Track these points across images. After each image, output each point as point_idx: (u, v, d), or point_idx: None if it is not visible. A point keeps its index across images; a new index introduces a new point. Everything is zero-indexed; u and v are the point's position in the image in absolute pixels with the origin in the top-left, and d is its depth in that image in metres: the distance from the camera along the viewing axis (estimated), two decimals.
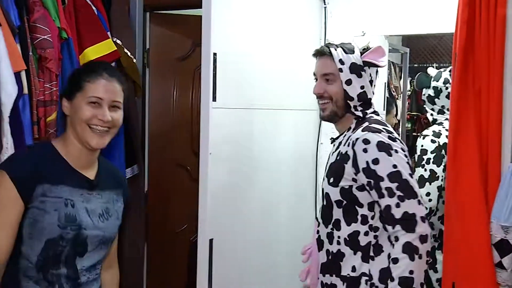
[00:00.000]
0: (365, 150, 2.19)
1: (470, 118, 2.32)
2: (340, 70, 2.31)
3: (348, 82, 2.32)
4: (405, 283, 2.08)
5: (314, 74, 2.43)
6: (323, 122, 3.54)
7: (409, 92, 6.47)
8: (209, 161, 2.66)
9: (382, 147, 2.18)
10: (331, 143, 2.48)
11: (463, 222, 2.38)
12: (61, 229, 1.99)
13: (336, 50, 2.34)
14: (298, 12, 3.39)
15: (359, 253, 2.24)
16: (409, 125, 4.55)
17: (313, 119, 3.54)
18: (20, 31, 2.63)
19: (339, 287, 2.27)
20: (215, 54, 2.64)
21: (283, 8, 3.20)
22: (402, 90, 5.91)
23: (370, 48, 2.37)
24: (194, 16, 3.94)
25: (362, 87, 2.34)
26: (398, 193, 2.13)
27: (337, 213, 2.27)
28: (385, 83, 4.09)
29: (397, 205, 2.14)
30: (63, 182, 2.04)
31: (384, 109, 4.16)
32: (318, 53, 2.40)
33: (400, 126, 5.57)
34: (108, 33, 3.09)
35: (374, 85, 2.42)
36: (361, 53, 2.36)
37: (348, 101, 2.34)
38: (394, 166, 2.15)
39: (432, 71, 3.64)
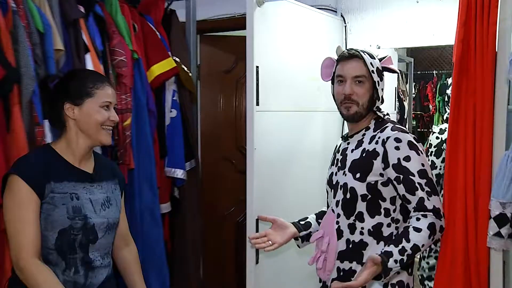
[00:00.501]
0: (397, 148, 2.10)
1: (466, 115, 2.31)
2: (372, 72, 2.19)
3: (376, 85, 2.20)
4: (415, 250, 2.03)
5: (341, 76, 2.22)
6: (345, 123, 3.62)
7: (414, 95, 6.57)
8: (254, 155, 2.73)
9: (412, 146, 2.12)
10: (344, 141, 2.32)
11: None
12: (70, 220, 1.98)
13: (365, 55, 2.20)
14: (323, 29, 3.39)
15: (382, 243, 2.14)
16: (414, 123, 4.60)
17: (338, 118, 3.46)
18: (103, 54, 2.75)
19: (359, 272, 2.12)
20: (257, 67, 2.70)
21: (311, 27, 3.21)
22: (408, 93, 6.00)
23: (385, 57, 2.27)
24: (236, 36, 4.01)
25: (382, 90, 2.24)
26: (427, 189, 2.09)
27: (361, 206, 2.16)
28: (395, 87, 4.10)
29: (428, 199, 2.09)
30: (66, 179, 2.02)
31: (395, 109, 4.15)
32: (350, 56, 2.20)
33: (407, 123, 5.67)
34: (169, 52, 3.15)
35: None
36: (379, 60, 2.27)
37: (373, 102, 2.22)
38: (422, 164, 2.11)
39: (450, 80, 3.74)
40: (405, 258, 2.01)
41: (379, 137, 2.16)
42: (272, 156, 2.70)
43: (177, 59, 3.17)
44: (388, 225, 2.16)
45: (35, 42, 2.36)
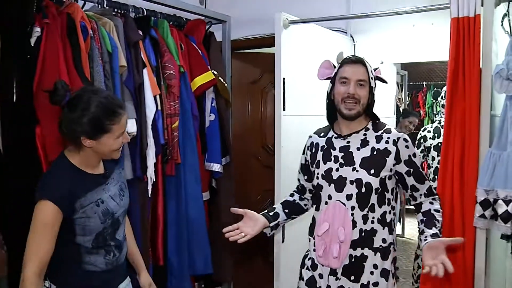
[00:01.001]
0: (406, 147, 2.12)
1: (457, 118, 2.39)
2: (371, 78, 2.15)
3: (372, 90, 2.16)
4: (442, 225, 2.11)
5: (345, 78, 2.14)
6: None
7: (408, 102, 6.67)
8: (281, 152, 2.81)
9: (413, 145, 2.18)
10: (343, 139, 2.19)
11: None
12: (103, 223, 1.96)
13: (367, 63, 2.16)
14: (336, 47, 3.22)
15: (386, 228, 2.15)
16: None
17: None
18: (156, 69, 2.81)
19: (370, 257, 2.12)
20: (284, 78, 2.78)
21: (326, 45, 3.24)
22: (403, 101, 6.11)
23: (376, 68, 2.23)
24: (262, 53, 4.02)
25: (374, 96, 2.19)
26: (430, 178, 2.23)
27: (373, 198, 2.12)
28: (394, 95, 4.18)
29: (433, 186, 2.19)
30: (89, 190, 1.93)
31: (394, 114, 4.22)
32: (356, 61, 2.15)
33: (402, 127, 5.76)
34: (209, 67, 3.17)
35: None
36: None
37: (371, 105, 2.17)
38: (420, 159, 2.20)
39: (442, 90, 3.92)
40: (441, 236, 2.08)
41: (388, 138, 2.14)
42: (296, 153, 2.70)
43: (215, 72, 3.18)
44: (389, 212, 2.17)
45: (105, 60, 2.45)
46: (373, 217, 2.13)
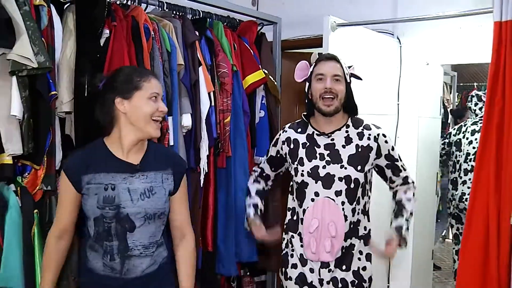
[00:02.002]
0: (386, 142, 2.24)
1: (496, 118, 2.37)
2: (346, 74, 2.19)
3: (348, 86, 2.21)
4: (411, 215, 2.25)
5: (321, 74, 2.16)
6: (399, 123, 3.64)
7: (457, 103, 6.59)
8: None
9: (390, 139, 2.30)
10: (327, 137, 2.23)
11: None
12: (100, 209, 1.83)
13: (341, 60, 2.20)
14: (382, 49, 3.48)
15: (366, 217, 2.28)
16: (455, 128, 4.76)
17: (391, 120, 3.64)
18: (211, 67, 2.94)
19: (356, 244, 2.23)
20: None
21: (373, 46, 3.31)
22: (452, 102, 6.07)
23: (351, 66, 2.26)
24: (309, 52, 4.11)
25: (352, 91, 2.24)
26: (405, 167, 2.32)
27: (359, 192, 2.21)
28: (440, 96, 4.19)
29: (408, 175, 2.33)
30: (105, 170, 1.86)
31: (439, 114, 4.24)
32: (330, 58, 2.20)
33: (451, 127, 5.74)
34: (260, 66, 3.25)
35: None
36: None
37: (348, 101, 2.21)
38: (397, 150, 2.31)
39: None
40: (409, 223, 2.23)
41: (369, 134, 2.23)
42: None
43: (266, 71, 3.27)
44: (367, 202, 2.30)
45: (164, 59, 2.61)
46: (359, 209, 2.24)
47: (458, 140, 4.47)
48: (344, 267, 2.23)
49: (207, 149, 2.89)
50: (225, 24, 3.23)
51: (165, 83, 2.61)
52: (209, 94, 2.88)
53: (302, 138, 2.29)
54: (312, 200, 2.22)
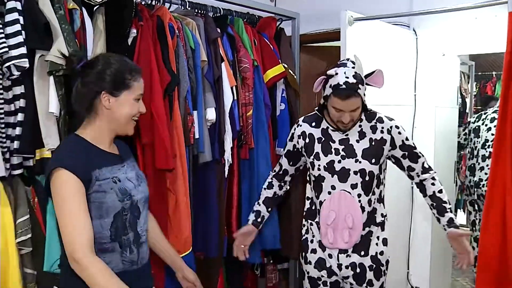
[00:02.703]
0: (399, 133, 2.28)
1: (510, 111, 2.36)
2: (363, 100, 2.18)
3: (363, 99, 2.18)
4: (450, 202, 2.32)
5: (340, 110, 2.15)
6: (416, 114, 3.72)
7: (475, 93, 6.56)
8: None
9: (404, 129, 2.33)
10: (341, 132, 2.28)
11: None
12: (121, 202, 1.76)
13: (360, 89, 2.12)
14: (399, 41, 3.54)
15: (382, 204, 2.36)
16: (474, 116, 4.78)
17: (409, 111, 3.70)
18: (233, 62, 3.01)
19: (374, 231, 2.32)
20: None
21: (389, 39, 3.37)
22: (469, 91, 6.04)
23: (374, 72, 2.23)
24: (328, 46, 4.15)
25: (365, 95, 2.21)
26: (422, 154, 2.35)
27: (374, 183, 2.28)
28: (457, 86, 4.21)
29: (425, 160, 2.36)
30: (104, 165, 1.77)
31: (457, 104, 4.25)
32: (349, 96, 2.11)
33: (469, 117, 5.74)
34: (279, 60, 3.29)
35: None
36: (365, 77, 2.20)
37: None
38: (411, 139, 2.35)
39: None
40: (453, 212, 2.31)
41: (382, 127, 2.28)
42: None
43: (285, 65, 3.31)
44: (382, 190, 2.36)
45: (189, 56, 2.69)
46: (374, 198, 2.32)
47: (477, 127, 4.51)
48: (362, 253, 2.31)
49: (231, 141, 2.96)
50: (244, 20, 3.29)
51: (189, 79, 2.69)
52: (231, 88, 2.94)
53: (317, 133, 2.35)
54: (329, 193, 2.30)
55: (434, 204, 2.33)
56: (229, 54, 3.01)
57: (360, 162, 2.25)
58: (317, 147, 2.32)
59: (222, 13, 3.15)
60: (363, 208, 2.27)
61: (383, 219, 2.37)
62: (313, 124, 2.37)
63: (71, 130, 2.18)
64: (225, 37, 3.03)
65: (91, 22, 2.41)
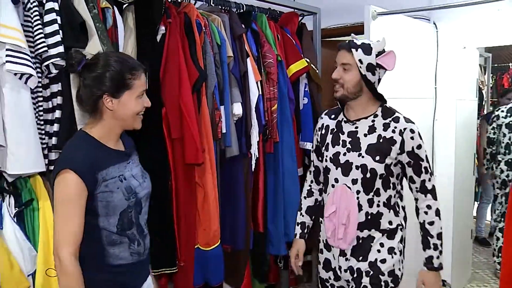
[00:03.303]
0: (412, 138, 2.11)
1: None
2: (360, 62, 2.08)
3: (364, 78, 2.10)
4: (440, 236, 2.15)
5: (335, 62, 2.16)
6: (437, 106, 3.74)
7: (491, 85, 6.56)
8: None
9: (420, 136, 2.14)
10: (352, 124, 2.19)
11: None
12: (127, 200, 1.80)
13: (357, 50, 2.07)
14: (420, 34, 3.55)
15: (392, 211, 2.18)
16: (491, 108, 4.77)
17: (429, 104, 3.72)
18: (257, 58, 3.05)
19: (377, 237, 2.17)
20: None
21: (411, 32, 3.38)
22: (486, 83, 6.03)
23: (386, 52, 2.13)
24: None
25: (374, 83, 2.13)
26: (430, 171, 2.15)
27: (378, 183, 2.14)
28: (476, 78, 4.20)
29: (429, 180, 2.15)
30: (111, 164, 1.79)
31: (476, 96, 4.24)
32: (343, 46, 2.13)
33: (485, 109, 5.72)
34: (302, 55, 3.33)
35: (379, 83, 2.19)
36: (377, 55, 2.10)
37: (371, 90, 2.14)
38: (425, 151, 2.15)
39: None
40: (439, 249, 2.15)
41: (395, 127, 2.13)
42: None
43: (308, 60, 3.34)
44: (394, 196, 2.19)
45: (215, 52, 2.74)
46: (379, 201, 2.16)
47: (510, 122, 4.51)
48: (360, 258, 2.20)
49: (257, 135, 2.99)
50: (267, 16, 3.32)
51: (216, 74, 2.73)
52: (257, 83, 2.98)
53: (332, 124, 2.30)
54: (333, 186, 2.23)
55: (421, 233, 2.21)
56: (254, 50, 3.05)
57: (363, 156, 2.15)
58: (329, 138, 2.28)
59: (245, 9, 3.19)
60: (360, 206, 2.16)
61: (391, 227, 2.20)
62: (333, 116, 2.34)
63: None
64: (249, 33, 3.07)
65: (122, 20, 2.45)
